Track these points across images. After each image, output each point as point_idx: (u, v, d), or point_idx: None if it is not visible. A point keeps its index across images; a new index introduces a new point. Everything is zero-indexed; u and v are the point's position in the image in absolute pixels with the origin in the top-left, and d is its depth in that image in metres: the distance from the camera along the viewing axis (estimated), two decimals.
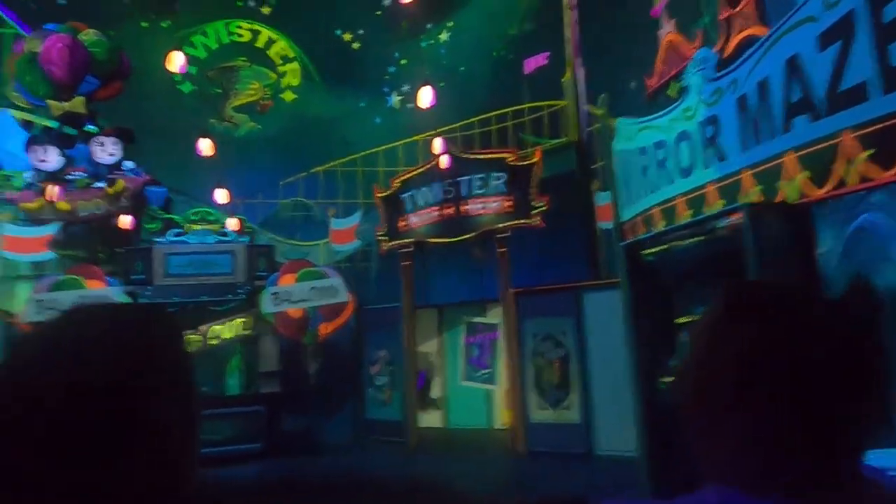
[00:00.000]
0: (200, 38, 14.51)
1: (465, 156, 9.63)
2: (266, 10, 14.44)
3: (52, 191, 9.79)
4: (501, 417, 9.99)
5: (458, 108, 14.14)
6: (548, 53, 12.59)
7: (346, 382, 10.02)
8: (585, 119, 11.17)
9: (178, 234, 9.83)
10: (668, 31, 6.41)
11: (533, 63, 12.90)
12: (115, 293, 8.99)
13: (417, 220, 9.81)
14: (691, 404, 0.82)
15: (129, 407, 0.68)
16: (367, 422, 9.96)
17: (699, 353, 0.83)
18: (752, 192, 4.41)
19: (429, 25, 14.50)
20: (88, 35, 10.95)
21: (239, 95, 14.50)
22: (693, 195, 5.22)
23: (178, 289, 9.29)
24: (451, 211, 9.50)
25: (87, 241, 10.46)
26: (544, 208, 8.83)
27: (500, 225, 9.02)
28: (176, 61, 5.26)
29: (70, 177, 10.35)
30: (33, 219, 10.31)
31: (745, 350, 0.77)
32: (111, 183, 10.18)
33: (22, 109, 11.43)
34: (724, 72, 4.88)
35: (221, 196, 9.02)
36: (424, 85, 6.93)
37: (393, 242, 10.04)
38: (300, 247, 12.87)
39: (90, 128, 10.81)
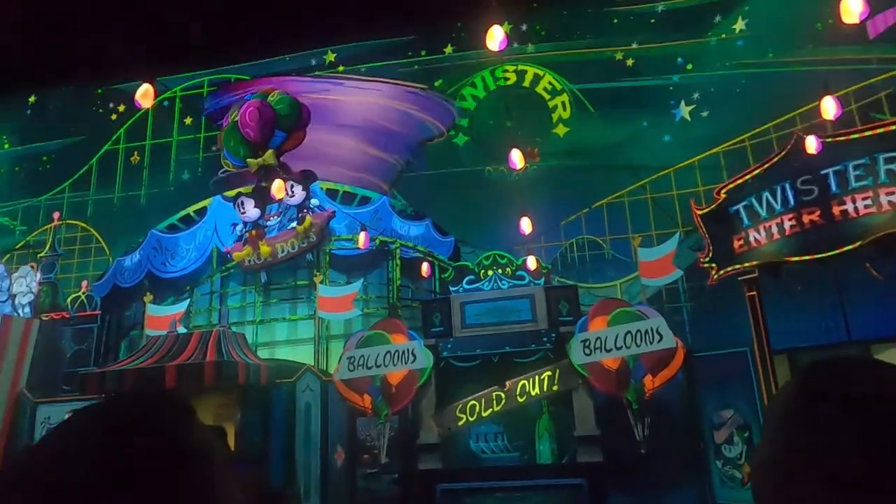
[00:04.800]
0: (469, 90, 14.52)
1: (830, 139, 7.08)
2: (531, 48, 13.89)
3: (253, 238, 10.61)
4: None
5: (769, 104, 11.45)
6: None
7: (684, 452, 7.84)
8: None
9: (471, 282, 9.06)
10: None
11: (881, 22, 9.73)
12: (417, 347, 8.42)
13: (762, 235, 7.48)
14: None
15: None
16: None
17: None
18: None
19: (717, 18, 12.28)
20: (274, 95, 11.68)
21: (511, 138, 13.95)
22: None
23: (479, 340, 8.37)
24: (815, 216, 7.01)
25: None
26: None
27: None
28: (497, 37, 4.35)
29: (268, 223, 10.94)
30: (245, 268, 10.93)
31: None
32: (301, 221, 10.59)
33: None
34: None
35: (526, 225, 7.98)
36: None
37: (727, 269, 7.82)
38: (593, 290, 11.31)
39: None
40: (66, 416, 0.79)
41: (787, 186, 7.25)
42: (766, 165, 7.58)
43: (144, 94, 4.40)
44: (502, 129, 13.97)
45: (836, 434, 0.69)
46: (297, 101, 11.87)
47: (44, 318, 10.98)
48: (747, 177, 7.76)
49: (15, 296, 11.01)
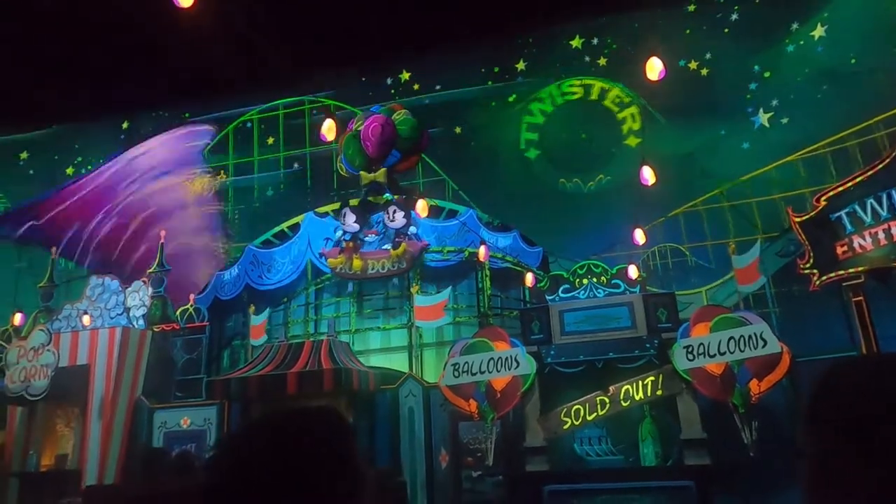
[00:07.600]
0: (536, 105, 14.92)
1: None
2: (602, 62, 14.19)
3: (349, 249, 11.19)
4: None
5: (852, 110, 11.49)
6: None
7: (792, 457, 7.95)
8: None
9: (567, 291, 9.39)
10: None
11: None
12: (520, 353, 8.79)
13: (867, 241, 7.62)
14: None
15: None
16: None
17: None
18: None
19: (794, 25, 12.39)
20: (400, 115, 12.11)
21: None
22: None
23: (581, 346, 8.69)
24: None
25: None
26: None
27: None
28: (656, 67, 4.72)
29: (367, 238, 11.42)
30: (336, 274, 11.47)
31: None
32: (396, 246, 11.03)
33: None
34: None
35: (639, 236, 8.29)
36: None
37: (829, 275, 7.96)
38: (679, 297, 11.48)
39: (387, 196, 11.83)
40: (250, 422, 1.05)
41: (894, 193, 7.38)
42: (870, 172, 7.72)
43: (329, 129, 4.92)
44: (573, 142, 14.32)
45: (826, 429, 0.75)
46: (419, 124, 12.36)
47: (156, 330, 11.76)
48: (849, 184, 7.91)
49: (129, 309, 11.83)
